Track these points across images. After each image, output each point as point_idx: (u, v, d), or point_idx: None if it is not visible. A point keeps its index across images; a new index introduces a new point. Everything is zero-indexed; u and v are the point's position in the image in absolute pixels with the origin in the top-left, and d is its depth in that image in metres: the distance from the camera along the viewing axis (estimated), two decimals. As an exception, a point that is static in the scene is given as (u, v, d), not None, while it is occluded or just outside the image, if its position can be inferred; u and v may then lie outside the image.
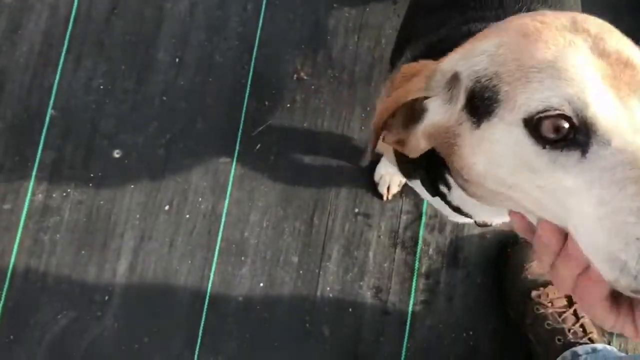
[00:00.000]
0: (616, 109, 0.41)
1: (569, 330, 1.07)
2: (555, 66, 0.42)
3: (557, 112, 0.41)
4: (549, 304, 1.10)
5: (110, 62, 1.29)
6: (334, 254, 1.24)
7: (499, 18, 0.63)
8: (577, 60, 0.43)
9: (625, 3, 1.35)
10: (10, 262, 1.20)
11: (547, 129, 0.42)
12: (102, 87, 1.28)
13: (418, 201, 1.26)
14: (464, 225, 1.24)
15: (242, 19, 1.31)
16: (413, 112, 0.55)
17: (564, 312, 1.09)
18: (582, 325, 1.09)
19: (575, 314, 1.10)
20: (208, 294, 1.21)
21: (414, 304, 1.22)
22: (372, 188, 1.25)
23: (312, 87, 1.29)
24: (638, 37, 1.29)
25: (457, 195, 0.63)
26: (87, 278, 1.21)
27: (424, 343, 1.21)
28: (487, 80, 0.47)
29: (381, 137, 0.58)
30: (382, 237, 1.25)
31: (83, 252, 1.22)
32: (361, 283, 1.23)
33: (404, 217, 1.25)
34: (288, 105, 1.28)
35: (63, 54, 1.29)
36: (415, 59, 0.66)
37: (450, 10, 0.74)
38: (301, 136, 1.27)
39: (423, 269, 1.24)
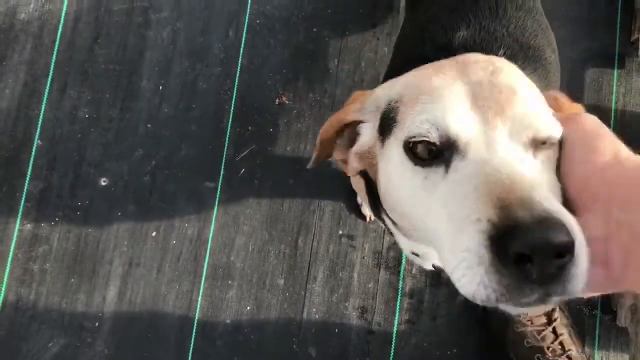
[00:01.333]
0: (476, 128, 0.45)
1: (548, 348, 1.10)
2: (436, 92, 0.47)
3: (424, 138, 0.46)
4: (528, 322, 1.12)
5: (94, 90, 1.31)
6: (319, 276, 1.26)
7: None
8: (453, 87, 0.47)
9: (601, 17, 1.37)
10: (1, 291, 1.22)
11: (420, 150, 0.47)
12: (87, 116, 1.30)
13: (401, 221, 1.28)
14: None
15: (224, 45, 1.33)
16: (355, 134, 0.60)
17: (543, 330, 1.11)
18: (560, 343, 1.11)
19: (554, 331, 1.12)
20: (196, 318, 1.23)
21: (399, 323, 1.24)
22: (356, 210, 1.27)
23: (294, 111, 1.31)
24: (612, 52, 1.30)
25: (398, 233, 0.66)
26: (77, 305, 1.23)
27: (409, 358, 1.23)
28: (394, 102, 0.52)
29: (334, 156, 0.63)
30: (366, 258, 1.27)
31: (72, 280, 1.24)
32: (346, 304, 1.25)
33: (387, 238, 1.27)
34: (271, 129, 1.30)
35: (48, 84, 1.30)
36: None
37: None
38: (284, 160, 1.29)
39: (407, 289, 1.26)
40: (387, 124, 0.53)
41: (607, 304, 1.24)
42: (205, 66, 1.32)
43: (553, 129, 0.47)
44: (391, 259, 1.27)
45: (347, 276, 1.26)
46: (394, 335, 1.23)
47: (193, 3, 1.34)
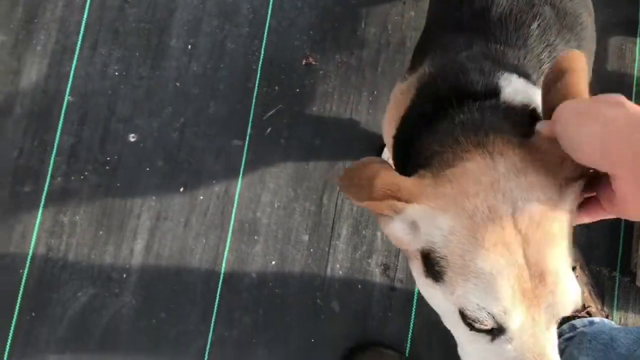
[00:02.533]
0: (523, 320, 0.53)
1: None
2: (489, 282, 0.52)
3: (480, 324, 0.54)
4: None
5: (124, 49, 1.33)
6: (343, 233, 1.28)
7: (519, 58, 0.69)
8: (505, 283, 0.52)
9: (625, -11, 1.39)
10: (32, 242, 1.25)
11: (473, 321, 0.55)
12: (117, 73, 1.32)
13: (424, 182, 1.30)
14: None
15: (252, 6, 1.35)
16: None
17: None
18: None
19: None
20: (222, 271, 1.25)
21: (421, 281, 1.26)
22: (380, 169, 1.29)
23: (321, 72, 1.33)
24: (634, 20, 1.32)
25: None
26: (105, 257, 1.25)
27: (430, 318, 1.26)
28: (438, 257, 0.56)
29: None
30: (389, 216, 1.29)
31: (101, 232, 1.26)
32: (369, 260, 1.27)
33: (410, 197, 1.29)
34: (297, 90, 1.32)
35: (79, 41, 1.33)
36: (432, 77, 0.73)
37: (478, 36, 0.76)
38: (310, 120, 1.31)
39: (429, 247, 1.28)
40: (431, 269, 0.58)
41: (627, 266, 1.27)
42: (234, 26, 1.34)
43: (579, 304, 0.55)
44: (414, 218, 1.29)
45: (371, 234, 1.28)
46: (416, 292, 1.26)
47: (222, -35, 1.36)
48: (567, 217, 0.55)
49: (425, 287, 0.60)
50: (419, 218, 0.57)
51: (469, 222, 0.53)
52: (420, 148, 0.66)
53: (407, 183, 0.57)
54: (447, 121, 0.66)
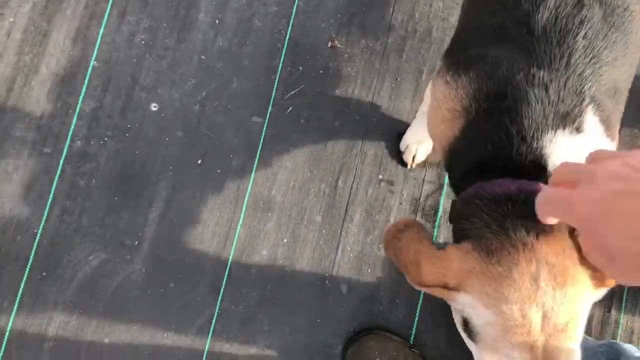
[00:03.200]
0: None
1: None
2: None
3: None
4: None
5: (152, 19, 1.34)
6: (356, 217, 1.28)
7: (561, 79, 0.70)
8: None
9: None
10: (47, 203, 1.26)
11: None
12: (143, 42, 1.33)
13: (441, 172, 1.30)
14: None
15: (281, -15, 1.36)
16: None
17: None
18: None
19: None
20: (234, 245, 1.26)
21: (430, 270, 1.26)
22: (397, 156, 1.30)
23: (345, 55, 1.33)
24: None
25: None
26: (120, 223, 1.26)
27: (437, 309, 1.26)
28: (475, 330, 0.66)
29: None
30: (403, 204, 1.29)
31: (116, 198, 1.27)
32: (380, 246, 1.28)
33: (426, 187, 1.30)
34: (321, 71, 1.33)
35: (108, 8, 1.34)
36: (470, 96, 0.74)
37: (520, 53, 0.74)
38: (332, 102, 1.32)
39: (441, 238, 1.28)
40: (469, 335, 0.68)
41: (637, 269, 1.26)
42: (263, 5, 1.35)
43: None
44: (428, 207, 1.29)
45: (384, 219, 1.28)
46: (425, 280, 1.26)
47: (255, -57, 1.37)
48: (586, 313, 0.64)
49: (461, 331, 0.71)
50: (464, 302, 0.66)
51: (503, 322, 0.62)
52: (469, 211, 0.71)
53: (453, 267, 0.66)
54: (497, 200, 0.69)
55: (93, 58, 1.32)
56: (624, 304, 1.27)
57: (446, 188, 1.30)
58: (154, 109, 1.30)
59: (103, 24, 1.33)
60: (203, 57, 1.33)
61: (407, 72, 1.33)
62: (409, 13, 1.35)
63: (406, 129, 1.27)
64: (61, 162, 1.28)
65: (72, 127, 1.29)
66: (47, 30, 1.31)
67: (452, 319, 0.72)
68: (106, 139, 1.29)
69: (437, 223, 1.28)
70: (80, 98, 1.30)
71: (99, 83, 1.31)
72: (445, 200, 1.29)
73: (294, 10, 1.35)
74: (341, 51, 1.33)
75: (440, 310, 1.26)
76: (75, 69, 1.31)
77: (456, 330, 0.71)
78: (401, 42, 1.34)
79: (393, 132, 1.31)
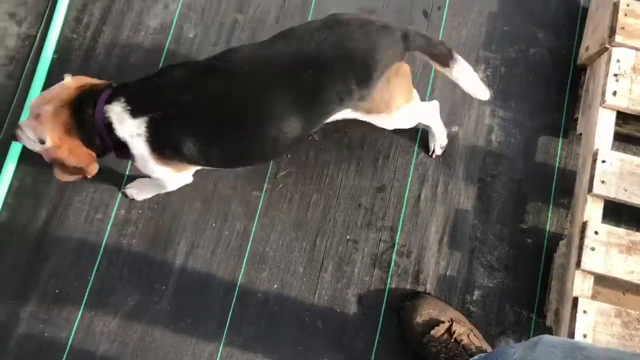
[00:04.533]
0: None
1: (457, 355, 1.48)
2: None
3: None
4: (437, 342, 1.51)
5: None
6: (329, 268, 1.70)
7: None
8: None
9: (553, 98, 1.85)
10: (98, 256, 1.68)
11: None
12: (172, 136, 1.78)
13: (393, 234, 1.73)
14: (425, 253, 1.71)
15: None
16: None
17: (448, 343, 1.49)
18: (463, 346, 1.47)
19: (455, 340, 1.48)
20: (237, 290, 1.67)
21: (385, 309, 1.67)
22: (365, 221, 1.73)
23: (322, 145, 1.79)
24: (559, 125, 1.80)
25: None
26: (151, 272, 1.68)
27: (391, 338, 1.65)
28: None
29: None
30: (365, 258, 1.71)
31: (149, 254, 1.69)
32: (348, 291, 1.69)
33: (382, 245, 1.72)
34: (303, 157, 1.78)
35: (146, 110, 1.79)
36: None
37: None
38: (311, 181, 1.76)
39: (393, 284, 1.70)
40: None
41: (541, 309, 1.67)
42: (261, 108, 1.81)
43: None
44: (384, 261, 1.71)
45: (350, 271, 1.70)
46: (381, 317, 1.66)
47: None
48: None
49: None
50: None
51: None
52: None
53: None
54: None
55: (134, 148, 1.77)
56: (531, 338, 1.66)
57: (397, 247, 1.72)
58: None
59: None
60: (216, 147, 1.78)
61: (367, 159, 1.78)
62: (369, 115, 1.81)
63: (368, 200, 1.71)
64: (109, 225, 1.71)
65: (118, 199, 1.73)
66: (102, 128, 1.77)
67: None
68: (144, 208, 1.73)
69: (390, 273, 1.70)
70: (125, 176, 1.75)
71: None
72: (396, 255, 1.71)
73: (284, 113, 1.81)
74: (318, 143, 1.79)
75: (394, 341, 1.65)
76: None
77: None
78: (362, 137, 1.80)
79: (357, 202, 1.74)
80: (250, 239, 1.72)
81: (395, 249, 1.72)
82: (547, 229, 1.76)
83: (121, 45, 1.86)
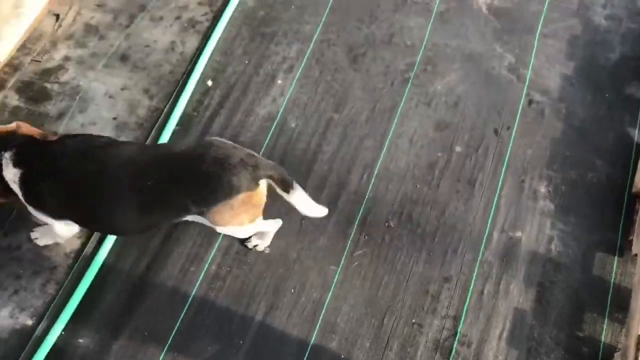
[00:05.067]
0: None
1: None
2: None
3: None
4: None
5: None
6: (394, 347, 1.82)
7: None
8: None
9: (610, 219, 2.03)
10: (187, 304, 1.86)
11: None
12: (265, 207, 2.02)
13: (456, 323, 1.86)
14: (485, 346, 1.82)
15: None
16: None
17: None
18: None
19: None
20: (307, 353, 1.80)
21: (444, 394, 1.76)
22: (431, 308, 1.87)
23: (396, 233, 1.99)
24: (615, 243, 1.98)
25: None
26: (232, 326, 1.83)
27: None
28: None
29: None
30: (428, 342, 1.84)
31: (232, 308, 1.86)
32: (409, 371, 1.79)
33: (445, 332, 1.85)
34: (379, 241, 1.98)
35: (247, 182, 2.07)
36: None
37: None
38: (384, 263, 1.94)
39: (453, 371, 1.80)
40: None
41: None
42: (345, 192, 2.06)
43: None
44: (445, 347, 1.82)
45: (413, 352, 1.82)
46: (439, 402, 1.75)
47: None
48: None
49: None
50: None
51: None
52: None
53: None
54: None
55: (232, 213, 2.01)
56: None
57: (459, 335, 1.84)
58: (267, 252, 1.95)
59: (242, 192, 2.05)
60: (303, 221, 2.00)
61: (438, 250, 1.97)
62: (440, 209, 2.03)
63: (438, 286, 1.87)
64: (200, 278, 1.90)
65: (211, 256, 1.94)
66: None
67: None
68: (233, 267, 1.92)
69: (450, 358, 1.81)
70: (220, 238, 1.97)
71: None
72: (457, 344, 1.83)
73: (366, 197, 2.05)
74: (393, 230, 2.00)
75: None
76: (220, 218, 2.00)
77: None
78: (434, 230, 2.00)
79: (425, 288, 1.90)
80: (324, 308, 1.87)
81: (457, 337, 1.84)
82: (603, 340, 1.85)
83: (233, 125, 2.18)
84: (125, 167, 1.59)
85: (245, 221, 1.68)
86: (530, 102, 2.27)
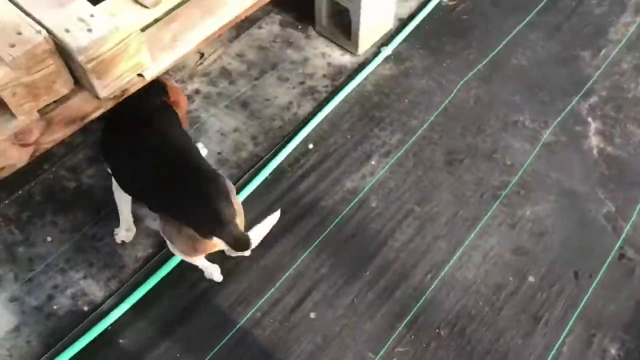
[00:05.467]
0: None
1: None
2: None
3: None
4: None
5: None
6: None
7: None
8: None
9: None
10: (220, 343, 1.90)
11: None
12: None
13: None
14: None
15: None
16: None
17: None
18: None
19: None
20: None
21: None
22: None
23: (444, 343, 1.92)
24: None
25: None
26: (256, 377, 1.84)
27: None
28: None
29: None
30: None
31: (264, 359, 1.88)
32: None
33: None
34: (424, 345, 1.92)
35: (314, 245, 2.13)
36: None
37: None
38: (423, 369, 1.88)
39: None
40: None
41: None
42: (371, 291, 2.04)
43: None
44: None
45: None
46: None
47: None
48: None
49: None
50: None
51: None
52: None
53: None
54: None
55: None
56: None
57: None
58: (312, 316, 1.97)
59: (307, 253, 2.11)
60: (356, 298, 2.01)
61: (482, 376, 1.87)
62: (496, 334, 1.94)
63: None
64: (243, 321, 1.95)
65: (259, 303, 1.99)
66: (277, 243, 2.13)
67: None
68: (275, 320, 1.96)
69: None
70: (271, 290, 2.02)
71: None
72: None
73: (425, 296, 2.02)
74: (442, 338, 1.93)
75: None
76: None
77: None
78: (484, 353, 1.91)
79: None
80: (350, 393, 1.83)
81: None
82: None
83: (318, 189, 2.29)
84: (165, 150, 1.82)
85: (180, 254, 1.82)
86: (621, 256, 2.16)
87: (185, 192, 1.71)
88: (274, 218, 1.87)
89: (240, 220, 1.75)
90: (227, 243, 1.68)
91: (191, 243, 1.73)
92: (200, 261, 1.89)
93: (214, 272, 1.99)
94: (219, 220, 1.66)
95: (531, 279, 2.08)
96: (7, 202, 2.22)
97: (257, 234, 1.76)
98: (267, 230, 1.85)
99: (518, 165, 2.38)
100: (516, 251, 2.15)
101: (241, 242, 1.67)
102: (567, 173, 2.37)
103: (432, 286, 2.06)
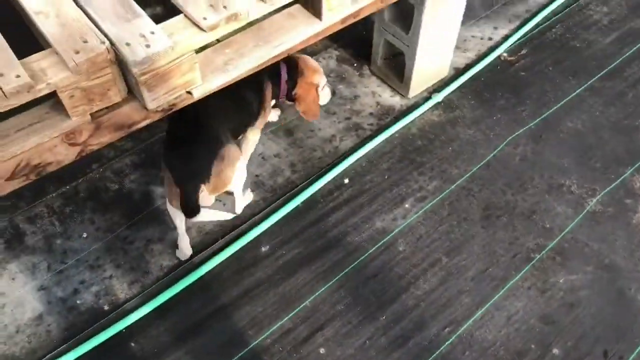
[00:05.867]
0: None
1: None
2: None
3: None
4: None
5: (354, 302, 2.07)
6: None
7: None
8: None
9: None
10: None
11: None
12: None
13: None
14: None
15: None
16: None
17: None
18: None
19: None
20: None
21: None
22: None
23: (453, 404, 1.84)
24: None
25: None
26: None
27: None
28: None
29: None
30: None
31: (265, 388, 1.86)
32: None
33: None
34: (432, 402, 1.85)
35: (335, 280, 2.12)
36: None
37: None
38: None
39: None
40: None
41: None
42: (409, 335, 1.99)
43: None
44: None
45: None
46: None
47: None
48: None
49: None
50: None
51: None
52: None
53: None
54: None
55: (309, 301, 2.06)
56: None
57: None
58: (322, 351, 1.94)
59: (327, 287, 2.10)
60: (368, 340, 1.97)
61: None
62: (510, 407, 1.84)
63: None
64: (253, 344, 1.95)
65: (270, 330, 1.99)
66: (298, 272, 2.14)
67: None
68: (283, 351, 1.94)
69: None
70: (285, 318, 2.02)
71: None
72: None
73: (439, 351, 1.95)
74: (452, 399, 1.85)
75: None
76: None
77: None
78: None
79: None
80: None
81: None
82: None
83: (347, 224, 2.28)
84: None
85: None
86: (659, 342, 2.01)
87: (184, 147, 1.87)
88: (228, 216, 2.12)
89: (213, 186, 1.88)
90: (180, 199, 1.83)
91: (168, 188, 1.92)
92: (177, 219, 2.01)
93: (181, 242, 2.10)
94: (185, 177, 1.83)
95: (555, 351, 1.98)
96: (54, 194, 2.35)
97: (207, 215, 1.98)
98: (215, 219, 2.15)
99: (557, 231, 2.29)
100: (543, 319, 2.05)
101: (188, 208, 1.85)
102: (609, 246, 2.26)
103: (449, 342, 1.99)
